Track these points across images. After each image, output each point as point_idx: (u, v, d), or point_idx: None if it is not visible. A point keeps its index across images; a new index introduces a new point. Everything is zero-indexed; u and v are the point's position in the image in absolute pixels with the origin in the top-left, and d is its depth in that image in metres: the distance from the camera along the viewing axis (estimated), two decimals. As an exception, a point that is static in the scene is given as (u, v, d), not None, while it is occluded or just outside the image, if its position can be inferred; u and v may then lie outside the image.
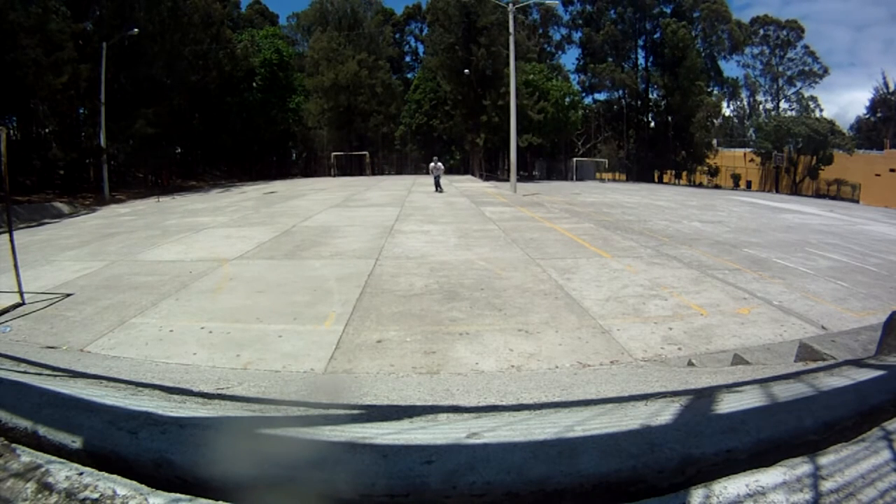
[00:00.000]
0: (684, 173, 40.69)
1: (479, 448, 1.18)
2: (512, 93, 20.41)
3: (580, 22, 42.99)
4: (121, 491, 0.99)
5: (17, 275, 5.44)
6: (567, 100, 36.16)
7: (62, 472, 1.04)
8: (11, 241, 5.68)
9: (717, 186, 37.25)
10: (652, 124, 42.17)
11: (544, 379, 3.32)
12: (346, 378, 3.55)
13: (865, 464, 1.05)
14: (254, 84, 35.51)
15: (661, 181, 40.11)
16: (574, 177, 37.01)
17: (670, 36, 36.42)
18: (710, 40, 39.99)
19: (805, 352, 3.19)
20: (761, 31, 43.45)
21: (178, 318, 4.92)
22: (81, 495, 0.98)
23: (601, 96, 43.89)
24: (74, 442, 1.15)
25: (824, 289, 6.28)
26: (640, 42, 41.49)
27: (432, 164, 19.85)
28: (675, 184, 38.47)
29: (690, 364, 3.75)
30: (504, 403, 2.54)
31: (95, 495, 0.98)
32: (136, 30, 21.04)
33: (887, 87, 42.80)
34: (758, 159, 36.69)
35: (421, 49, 46.64)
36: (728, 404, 1.47)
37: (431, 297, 5.49)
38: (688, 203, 18.54)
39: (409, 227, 10.43)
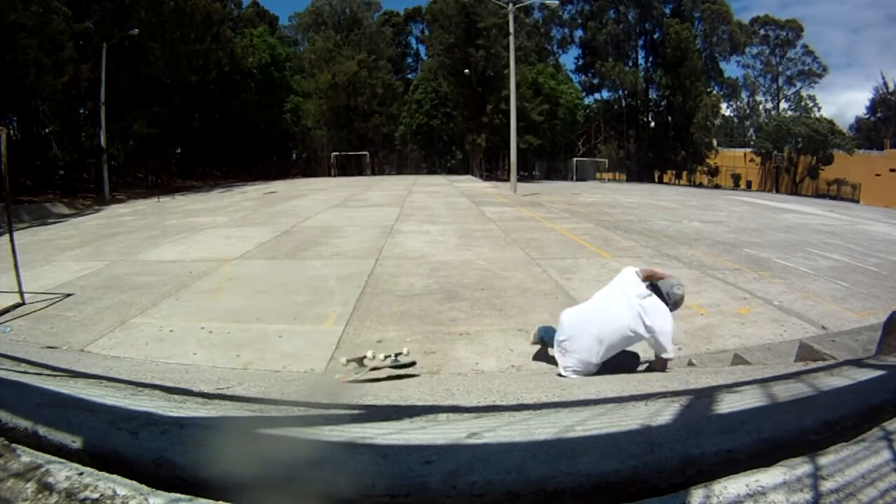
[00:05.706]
0: (684, 173, 40.69)
1: (479, 448, 1.18)
2: (512, 94, 20.42)
3: (580, 21, 42.96)
4: (121, 491, 0.99)
5: (18, 275, 5.44)
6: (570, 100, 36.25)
7: (62, 472, 1.04)
8: (12, 241, 5.68)
9: (717, 186, 37.24)
10: (652, 124, 42.14)
11: (544, 379, 3.31)
12: (347, 378, 3.54)
13: (865, 464, 1.05)
14: (250, 85, 35.49)
15: (661, 181, 40.09)
16: (574, 177, 36.98)
17: (672, 36, 36.39)
18: (710, 40, 39.94)
19: (805, 352, 3.19)
20: (761, 31, 43.43)
21: (179, 318, 4.92)
22: (81, 495, 0.98)
23: (602, 96, 43.97)
24: (74, 442, 1.15)
25: (824, 289, 6.28)
26: (641, 42, 41.49)
27: None
28: (675, 184, 38.46)
29: (690, 364, 3.75)
30: (504, 403, 2.54)
31: (95, 495, 0.98)
32: (136, 30, 21.04)
33: (887, 88, 42.80)
34: (758, 159, 36.70)
35: (422, 50, 46.74)
36: (728, 404, 1.47)
37: (432, 297, 5.49)
38: (688, 203, 18.54)
39: (409, 227, 10.42)
